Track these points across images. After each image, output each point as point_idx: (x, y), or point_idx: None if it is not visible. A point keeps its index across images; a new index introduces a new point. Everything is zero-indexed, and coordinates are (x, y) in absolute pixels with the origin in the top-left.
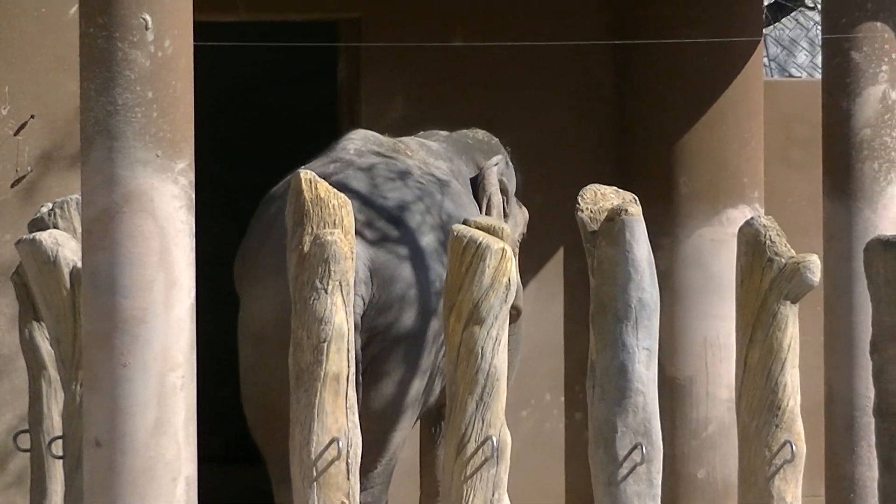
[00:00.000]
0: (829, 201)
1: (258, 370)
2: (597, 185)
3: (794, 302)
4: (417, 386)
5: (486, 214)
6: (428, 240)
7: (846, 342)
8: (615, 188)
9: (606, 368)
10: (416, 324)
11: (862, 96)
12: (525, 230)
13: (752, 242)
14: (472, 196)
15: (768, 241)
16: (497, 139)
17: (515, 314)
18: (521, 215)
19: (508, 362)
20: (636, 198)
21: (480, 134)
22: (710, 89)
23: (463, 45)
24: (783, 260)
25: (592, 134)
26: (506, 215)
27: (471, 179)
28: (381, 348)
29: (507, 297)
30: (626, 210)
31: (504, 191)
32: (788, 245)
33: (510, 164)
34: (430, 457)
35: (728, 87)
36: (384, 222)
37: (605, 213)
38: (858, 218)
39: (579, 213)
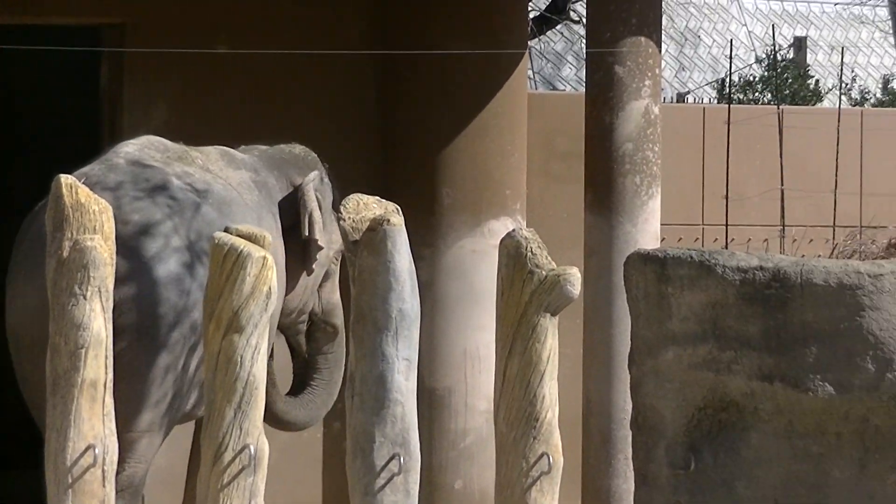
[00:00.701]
0: (590, 215)
1: (21, 374)
2: (359, 194)
3: (553, 314)
4: (156, 392)
5: (308, 232)
6: (167, 267)
7: (605, 355)
8: (378, 198)
9: (365, 378)
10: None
11: (625, 111)
12: (342, 248)
13: (513, 254)
14: (272, 208)
15: (529, 254)
16: (315, 155)
17: (332, 332)
18: (337, 233)
19: (329, 379)
20: (398, 208)
21: (298, 149)
22: (474, 101)
23: (227, 52)
24: (543, 272)
25: (355, 144)
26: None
27: (289, 196)
28: (123, 348)
29: (267, 305)
30: (389, 220)
31: (319, 205)
32: (549, 258)
33: (326, 179)
34: (195, 464)
35: (492, 99)
36: (120, 250)
37: (368, 223)
38: (619, 232)
39: (341, 222)
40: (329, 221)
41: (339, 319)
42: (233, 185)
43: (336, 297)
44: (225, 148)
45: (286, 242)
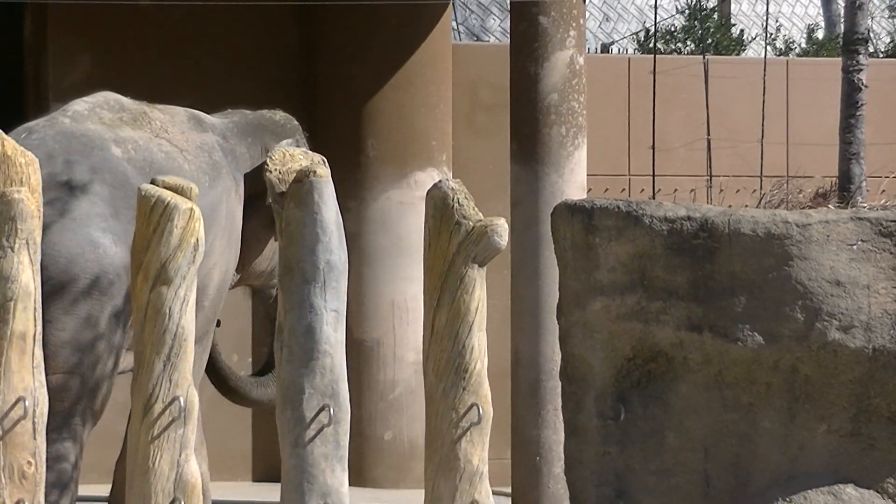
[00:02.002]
0: (515, 166)
1: None
2: (286, 146)
3: (481, 265)
4: (85, 334)
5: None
6: (88, 231)
7: (533, 306)
8: (304, 150)
9: (294, 330)
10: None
11: (550, 61)
12: None
13: (439, 205)
14: (235, 174)
15: (456, 205)
16: (296, 122)
17: None
18: None
19: None
20: (325, 159)
21: (279, 115)
22: (398, 52)
23: (150, 3)
24: (470, 223)
25: (279, 97)
26: None
27: (262, 163)
28: (47, 304)
29: (194, 257)
30: (315, 172)
31: None
32: (476, 209)
33: (302, 145)
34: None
35: (416, 50)
36: (59, 185)
37: (294, 175)
38: (545, 182)
39: (268, 173)
40: None
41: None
42: (186, 148)
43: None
44: (196, 112)
45: (255, 208)
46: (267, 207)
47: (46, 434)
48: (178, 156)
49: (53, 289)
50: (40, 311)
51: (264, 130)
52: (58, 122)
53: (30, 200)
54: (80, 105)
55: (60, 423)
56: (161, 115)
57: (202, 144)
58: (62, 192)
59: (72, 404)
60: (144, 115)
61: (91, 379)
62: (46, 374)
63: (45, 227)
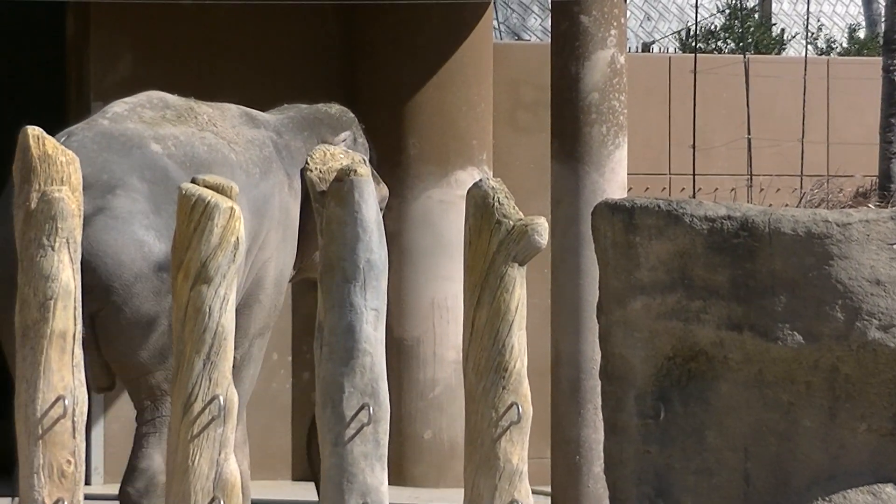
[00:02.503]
0: (556, 164)
1: None
2: (326, 145)
3: (521, 264)
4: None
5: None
6: (131, 229)
7: (573, 305)
8: (344, 148)
9: (334, 328)
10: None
11: (591, 60)
12: (383, 206)
13: (480, 204)
14: (289, 169)
15: (496, 204)
16: (352, 115)
17: None
18: (377, 192)
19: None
20: (365, 158)
21: (334, 109)
22: (439, 51)
23: (191, 3)
24: (511, 222)
25: (321, 95)
26: None
27: None
28: (100, 308)
29: (235, 256)
30: (355, 170)
31: None
32: (517, 207)
33: (359, 140)
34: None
35: (457, 49)
36: (99, 185)
37: (334, 174)
38: (586, 181)
39: (308, 172)
40: None
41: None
42: (236, 141)
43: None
44: (249, 109)
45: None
46: None
47: (137, 426)
48: (224, 147)
49: (104, 288)
50: (80, 309)
51: (320, 124)
52: (97, 124)
53: (70, 199)
54: (119, 106)
55: (147, 417)
56: (210, 111)
57: (253, 139)
58: (103, 192)
59: (162, 399)
60: (191, 111)
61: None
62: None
63: (88, 227)
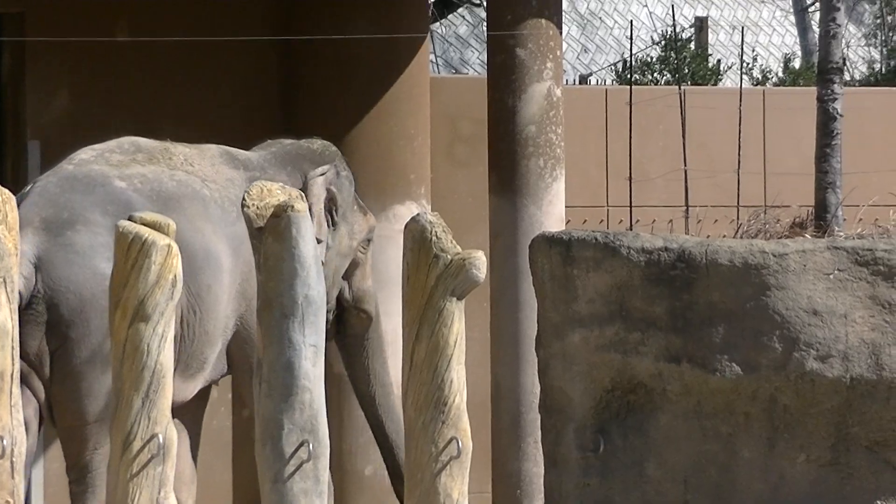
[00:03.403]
0: (494, 198)
1: None
2: (263, 181)
3: (460, 298)
4: (99, 382)
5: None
6: (94, 263)
7: (512, 338)
8: (281, 184)
9: (273, 365)
10: (85, 318)
11: (527, 93)
12: (370, 236)
13: (418, 239)
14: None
15: (434, 238)
16: (335, 149)
17: (366, 318)
18: (363, 222)
19: (369, 370)
20: (302, 194)
21: (316, 144)
22: (376, 85)
23: (127, 39)
24: (449, 256)
25: (258, 130)
26: (334, 224)
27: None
28: (59, 345)
29: (173, 293)
30: (293, 206)
31: (332, 200)
32: (454, 241)
33: (343, 173)
34: None
35: (394, 83)
36: (59, 222)
37: (272, 210)
38: (524, 214)
39: (245, 209)
40: (349, 213)
41: (370, 306)
42: (213, 179)
43: (367, 284)
44: (230, 148)
45: None
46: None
47: (70, 483)
48: (196, 183)
49: (65, 324)
50: (17, 349)
51: (302, 159)
52: (61, 170)
53: (7, 238)
54: (86, 153)
55: (80, 474)
56: (186, 151)
57: (233, 178)
58: (63, 228)
59: (92, 454)
60: (165, 152)
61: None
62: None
63: (50, 264)
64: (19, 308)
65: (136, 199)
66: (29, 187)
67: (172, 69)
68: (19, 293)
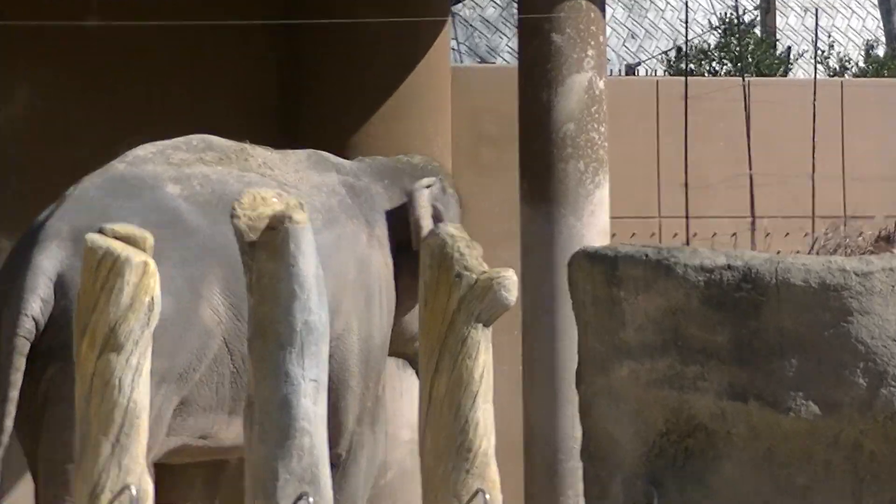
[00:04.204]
0: (526, 207)
1: None
2: (257, 188)
3: (486, 325)
4: None
5: (416, 244)
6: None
7: (548, 372)
8: (278, 191)
9: (267, 403)
10: None
11: (565, 85)
12: None
13: (437, 255)
14: (370, 215)
15: (456, 254)
16: (438, 164)
17: None
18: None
19: None
20: (303, 203)
21: (417, 159)
22: (389, 78)
23: (99, 23)
24: (473, 276)
25: (254, 129)
26: None
27: (401, 207)
28: (60, 367)
29: (149, 319)
30: (291, 217)
31: (438, 217)
32: (480, 259)
33: (449, 190)
34: None
35: (409, 75)
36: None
37: (266, 221)
38: (561, 227)
39: (235, 220)
40: None
41: None
42: (294, 184)
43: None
44: (323, 153)
45: (403, 258)
46: (413, 256)
47: None
48: (277, 188)
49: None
50: None
51: (402, 173)
52: (110, 169)
53: None
54: (145, 149)
55: None
56: (267, 154)
57: (321, 184)
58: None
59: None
60: (241, 153)
61: None
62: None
63: (72, 282)
64: (34, 339)
65: (185, 209)
66: (70, 189)
67: (149, 60)
68: (34, 320)
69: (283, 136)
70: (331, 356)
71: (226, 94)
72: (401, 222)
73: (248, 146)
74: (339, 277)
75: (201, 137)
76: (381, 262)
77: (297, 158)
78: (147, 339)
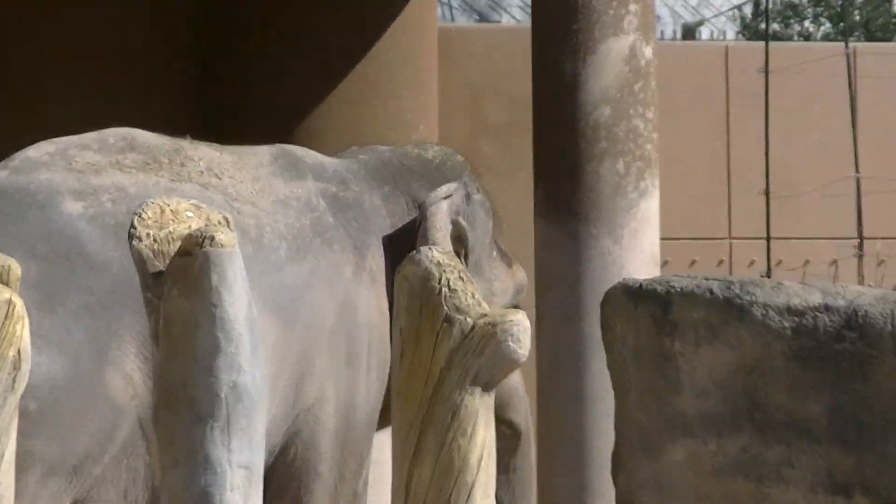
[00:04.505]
0: (543, 223)
1: None
2: (164, 199)
3: (487, 389)
4: None
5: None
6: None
7: (571, 455)
8: (195, 202)
9: (177, 498)
10: None
11: (597, 54)
12: (518, 301)
13: (418, 292)
14: (361, 238)
15: (446, 290)
16: (459, 159)
17: (512, 435)
18: (507, 277)
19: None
20: (230, 217)
21: (432, 152)
22: (354, 44)
23: None
24: (469, 320)
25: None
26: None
27: (410, 222)
28: None
29: (14, 381)
30: (213, 237)
31: (460, 239)
32: (478, 296)
33: (475, 196)
34: None
35: (380, 38)
36: None
37: (178, 243)
38: (592, 252)
39: (135, 242)
40: (486, 260)
41: (519, 415)
42: (254, 204)
43: (515, 377)
44: (294, 149)
45: None
46: None
47: None
48: (216, 204)
49: None
50: None
51: (410, 175)
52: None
53: None
54: (38, 149)
55: None
56: (214, 156)
57: (288, 197)
58: None
59: None
60: (177, 154)
61: None
62: None
63: None
64: None
65: (90, 235)
66: None
67: (45, 16)
68: None
69: (201, 124)
70: (297, 433)
71: (130, 64)
72: (407, 248)
73: (186, 144)
74: (311, 327)
75: (122, 133)
76: (373, 304)
77: (257, 161)
78: (11, 406)
